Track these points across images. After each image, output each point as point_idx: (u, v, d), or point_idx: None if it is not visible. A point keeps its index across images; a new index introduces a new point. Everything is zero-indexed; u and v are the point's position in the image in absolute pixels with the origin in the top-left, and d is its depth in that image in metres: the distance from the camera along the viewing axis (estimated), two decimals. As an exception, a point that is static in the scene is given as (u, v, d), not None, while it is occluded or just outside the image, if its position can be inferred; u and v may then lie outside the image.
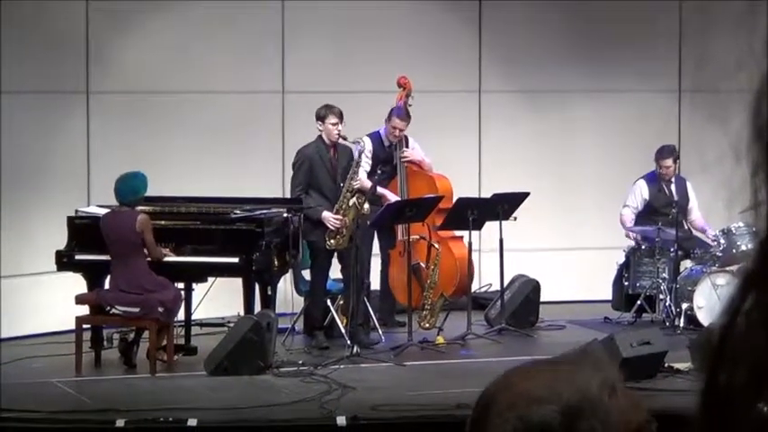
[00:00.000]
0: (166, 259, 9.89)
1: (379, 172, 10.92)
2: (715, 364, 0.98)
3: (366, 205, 10.56)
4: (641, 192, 11.87)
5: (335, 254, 10.71)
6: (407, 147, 11.45)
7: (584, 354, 1.54)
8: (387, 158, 11.31)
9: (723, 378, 0.98)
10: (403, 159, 11.40)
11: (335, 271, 10.87)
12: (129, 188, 9.75)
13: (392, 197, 11.19)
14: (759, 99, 0.95)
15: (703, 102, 12.92)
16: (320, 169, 10.65)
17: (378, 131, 11.32)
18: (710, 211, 11.67)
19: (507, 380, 1.48)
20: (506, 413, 1.43)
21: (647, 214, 11.83)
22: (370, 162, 11.04)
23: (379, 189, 11.07)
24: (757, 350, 0.95)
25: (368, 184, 10.79)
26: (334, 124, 10.57)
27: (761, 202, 0.95)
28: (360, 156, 10.69)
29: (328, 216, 10.51)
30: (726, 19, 10.54)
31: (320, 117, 10.63)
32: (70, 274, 10.20)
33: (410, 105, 11.46)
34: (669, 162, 11.73)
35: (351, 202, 10.51)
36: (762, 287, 0.97)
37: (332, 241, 10.52)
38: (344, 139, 10.65)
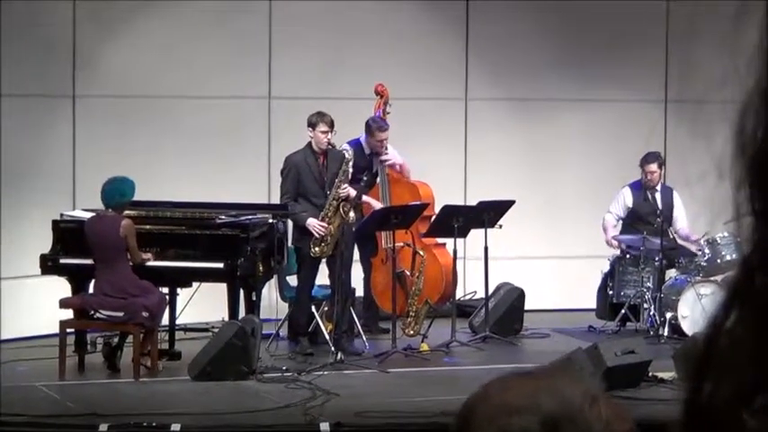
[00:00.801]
0: (152, 264, 9.88)
1: (364, 178, 10.90)
2: (699, 378, 0.99)
3: (351, 213, 10.54)
4: (624, 199, 11.88)
5: (324, 260, 10.69)
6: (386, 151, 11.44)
7: (565, 364, 1.53)
8: (366, 166, 11.28)
9: (707, 390, 0.98)
10: (387, 163, 11.38)
11: (321, 277, 10.86)
12: (117, 191, 9.73)
13: (376, 204, 11.18)
14: (743, 115, 0.96)
15: (689, 112, 12.93)
16: (307, 177, 10.61)
17: (358, 139, 11.30)
18: (695, 223, 11.68)
19: (486, 391, 1.47)
20: (486, 425, 1.43)
21: (631, 222, 11.83)
22: (351, 170, 11.03)
23: (363, 197, 11.07)
24: (741, 365, 0.96)
25: (353, 192, 10.79)
26: (324, 132, 10.53)
27: (743, 216, 0.96)
28: (348, 164, 10.66)
29: (313, 223, 10.48)
30: (713, 29, 10.55)
31: (311, 124, 10.60)
32: (55, 277, 10.18)
33: (388, 113, 11.46)
34: (654, 167, 11.72)
35: (336, 210, 10.49)
36: (745, 302, 0.97)
37: (316, 249, 10.48)
38: (333, 146, 10.64)
